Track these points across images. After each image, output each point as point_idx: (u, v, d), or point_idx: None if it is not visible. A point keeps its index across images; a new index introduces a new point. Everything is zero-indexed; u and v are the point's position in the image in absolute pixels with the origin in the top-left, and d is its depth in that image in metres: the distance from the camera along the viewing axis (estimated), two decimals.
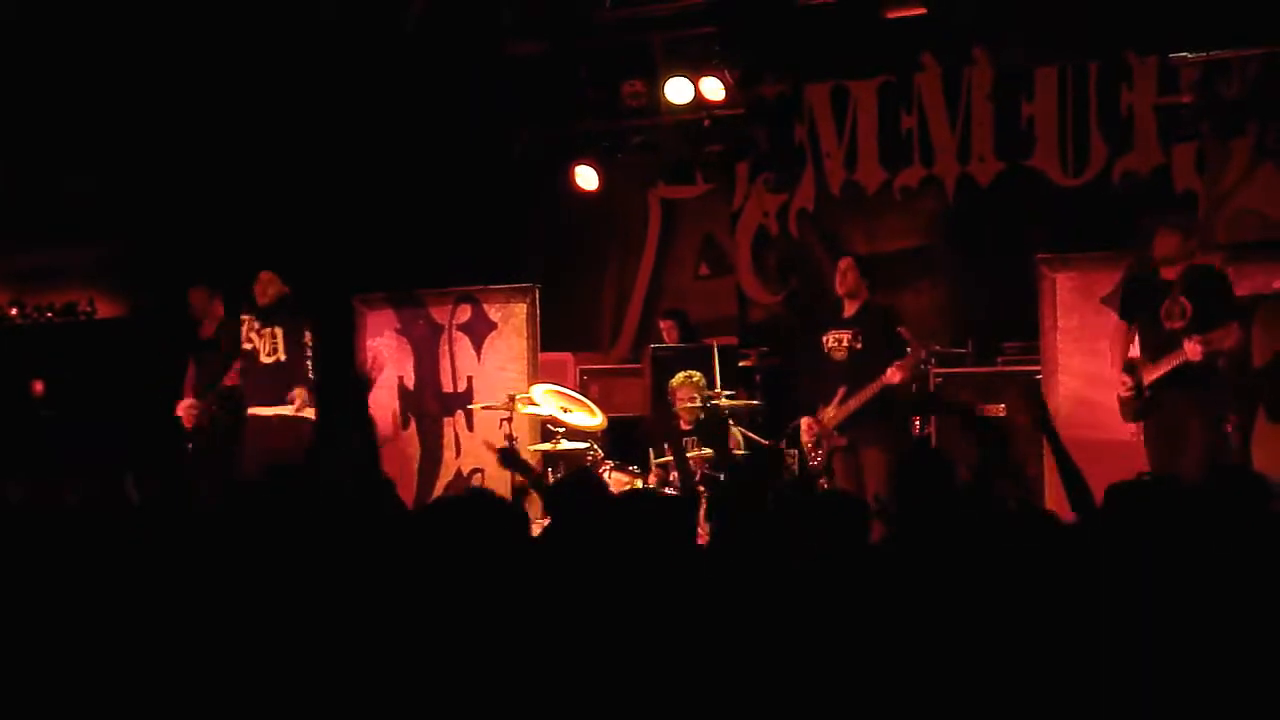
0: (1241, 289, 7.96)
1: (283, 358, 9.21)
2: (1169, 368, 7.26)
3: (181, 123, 10.87)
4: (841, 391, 8.08)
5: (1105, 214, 10.02)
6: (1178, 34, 9.65)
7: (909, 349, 7.89)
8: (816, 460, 8.22)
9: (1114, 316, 8.09)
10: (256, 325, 9.29)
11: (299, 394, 9.06)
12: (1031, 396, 5.52)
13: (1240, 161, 9.93)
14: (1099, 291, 8.65)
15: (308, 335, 9.27)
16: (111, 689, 3.48)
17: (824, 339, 8.28)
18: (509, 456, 6.33)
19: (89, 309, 11.63)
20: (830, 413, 8.12)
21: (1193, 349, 7.12)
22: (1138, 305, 7.59)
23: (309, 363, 9.25)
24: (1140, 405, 7.48)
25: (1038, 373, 8.94)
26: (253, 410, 9.23)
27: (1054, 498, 8.15)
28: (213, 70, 10.74)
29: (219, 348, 9.51)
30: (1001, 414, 9.22)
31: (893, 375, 7.84)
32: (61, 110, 10.62)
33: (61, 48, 10.41)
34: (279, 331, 9.23)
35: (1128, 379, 7.48)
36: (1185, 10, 9.49)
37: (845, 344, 8.15)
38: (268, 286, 9.29)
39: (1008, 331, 9.67)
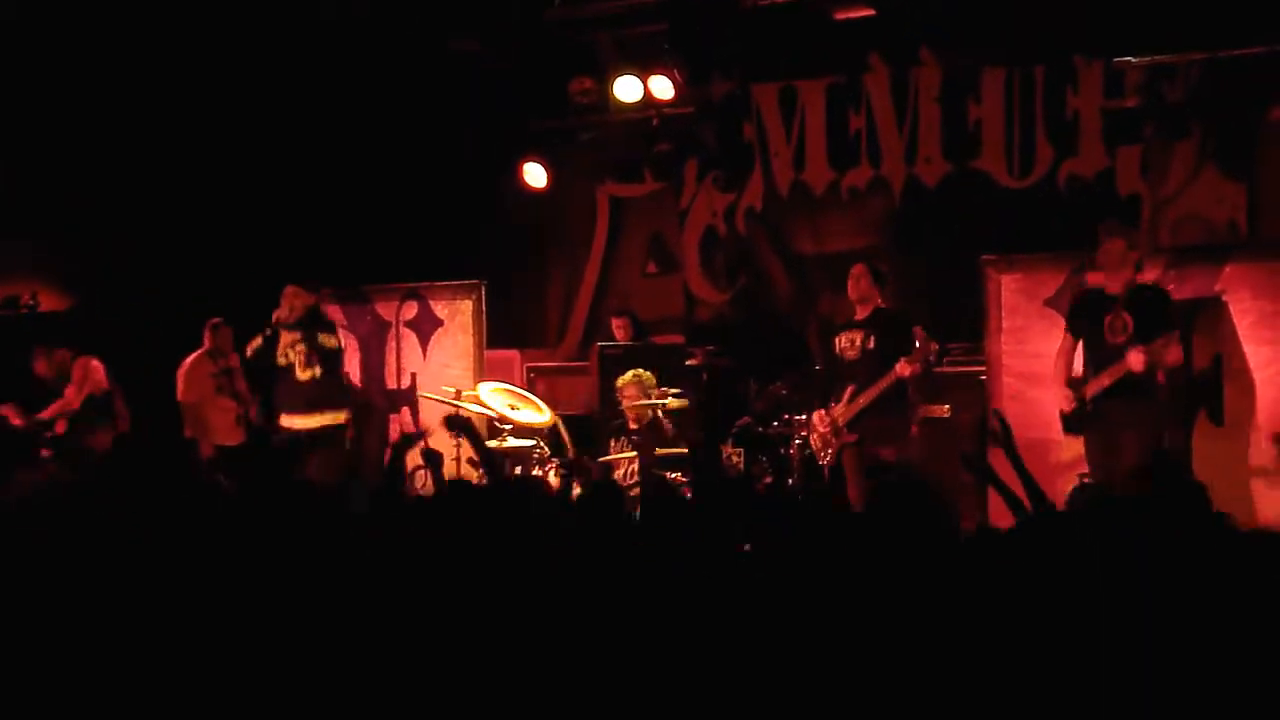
0: (1183, 292, 8.04)
1: (318, 372, 9.31)
2: (1112, 380, 7.30)
3: (126, 118, 10.76)
4: (851, 389, 8.13)
5: (1050, 216, 10.08)
6: (1123, 38, 9.72)
7: (918, 344, 7.95)
8: (827, 458, 8.26)
9: (1059, 318, 8.14)
10: (289, 339, 9.31)
11: None
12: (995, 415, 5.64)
13: (1184, 165, 10.02)
14: (1043, 293, 8.70)
15: (337, 342, 9.56)
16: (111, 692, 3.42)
17: (836, 340, 8.35)
18: (456, 422, 6.23)
19: (31, 302, 11.46)
20: (840, 410, 8.17)
21: (1135, 359, 7.16)
22: (1083, 320, 7.64)
23: (344, 373, 9.71)
24: (1081, 418, 7.52)
25: (982, 374, 8.99)
26: (287, 421, 9.35)
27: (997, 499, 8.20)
28: (156, 69, 10.63)
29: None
30: (946, 414, 9.29)
31: (903, 369, 7.91)
32: (7, 105, 10.49)
33: (8, 48, 10.28)
34: (312, 344, 9.32)
35: (1070, 393, 7.52)
36: (1130, 14, 9.56)
37: (858, 344, 8.21)
38: (294, 300, 9.30)
39: (952, 332, 9.69)
